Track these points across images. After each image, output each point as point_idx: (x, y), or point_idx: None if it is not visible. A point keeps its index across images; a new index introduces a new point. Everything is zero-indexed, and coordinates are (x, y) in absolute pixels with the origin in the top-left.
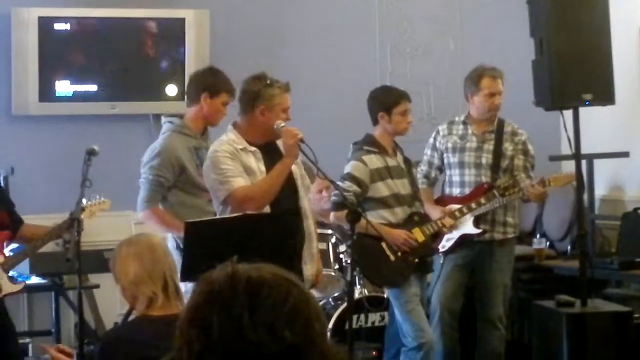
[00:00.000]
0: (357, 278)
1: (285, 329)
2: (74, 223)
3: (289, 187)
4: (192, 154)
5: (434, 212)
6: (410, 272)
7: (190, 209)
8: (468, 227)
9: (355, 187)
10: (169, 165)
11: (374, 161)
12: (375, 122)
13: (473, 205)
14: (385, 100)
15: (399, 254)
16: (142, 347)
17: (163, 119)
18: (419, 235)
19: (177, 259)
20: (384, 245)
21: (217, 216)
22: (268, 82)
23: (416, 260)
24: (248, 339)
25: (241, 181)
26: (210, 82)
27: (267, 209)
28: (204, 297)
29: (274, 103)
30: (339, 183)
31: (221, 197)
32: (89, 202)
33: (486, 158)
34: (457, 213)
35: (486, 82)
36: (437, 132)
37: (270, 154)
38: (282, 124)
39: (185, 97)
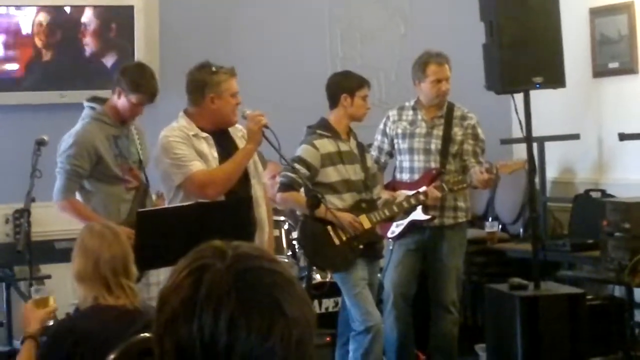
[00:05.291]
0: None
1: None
2: (24, 214)
3: (242, 175)
4: (110, 142)
5: (383, 197)
6: (356, 257)
7: (109, 197)
8: (417, 213)
9: (303, 171)
10: (86, 155)
11: (326, 145)
12: (334, 105)
13: (395, 209)
14: (349, 83)
15: (344, 238)
16: (91, 337)
17: (85, 103)
18: (365, 222)
19: None
20: (329, 229)
21: (168, 202)
22: (213, 69)
23: (361, 246)
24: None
25: (199, 165)
26: (127, 79)
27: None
28: (181, 307)
29: (222, 89)
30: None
31: (177, 181)
32: None
33: (435, 144)
34: (373, 218)
35: (432, 68)
36: (387, 118)
37: (222, 140)
38: (247, 111)
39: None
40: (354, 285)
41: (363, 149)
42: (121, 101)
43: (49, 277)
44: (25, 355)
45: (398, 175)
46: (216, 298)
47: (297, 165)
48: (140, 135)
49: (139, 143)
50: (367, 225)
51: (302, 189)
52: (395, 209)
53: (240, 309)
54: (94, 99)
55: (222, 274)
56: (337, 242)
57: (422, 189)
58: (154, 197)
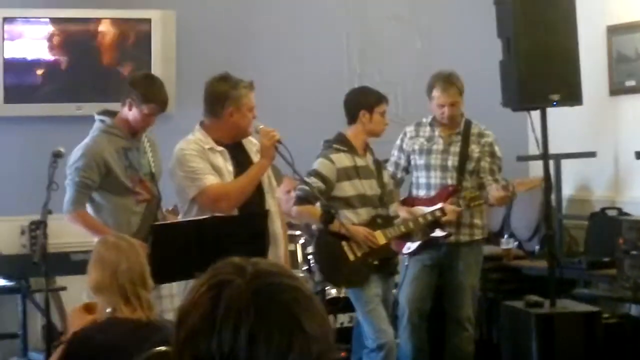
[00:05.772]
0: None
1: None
2: (40, 225)
3: (256, 189)
4: (120, 154)
5: (400, 213)
6: (370, 273)
7: (118, 208)
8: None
9: (319, 184)
10: (95, 167)
11: (343, 160)
12: (352, 121)
13: (411, 225)
14: (368, 99)
15: (359, 254)
16: (107, 350)
17: (96, 116)
18: (380, 238)
19: None
20: (344, 244)
21: (183, 215)
22: (233, 82)
23: (375, 262)
24: None
25: (213, 179)
26: (138, 90)
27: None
28: (200, 321)
29: (242, 103)
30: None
31: (191, 194)
32: None
33: (452, 160)
34: (388, 234)
35: (436, 92)
36: (404, 134)
37: (237, 154)
38: (261, 125)
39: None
40: (367, 302)
41: (380, 165)
42: (132, 112)
43: (64, 288)
44: None
45: (414, 192)
46: (235, 314)
47: (313, 179)
48: (154, 147)
49: (152, 155)
50: (382, 240)
51: (318, 203)
52: (411, 225)
53: (259, 325)
54: (104, 112)
55: (242, 289)
56: (351, 257)
57: (439, 205)
58: (164, 210)
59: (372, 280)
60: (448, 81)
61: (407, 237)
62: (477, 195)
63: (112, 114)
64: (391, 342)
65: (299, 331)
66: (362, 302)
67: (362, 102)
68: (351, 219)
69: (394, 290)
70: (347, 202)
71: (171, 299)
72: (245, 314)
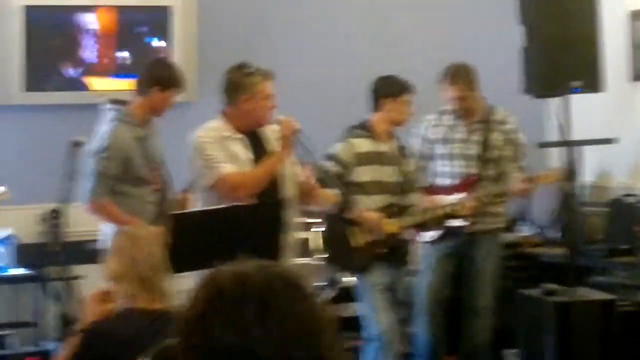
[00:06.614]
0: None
1: (297, 346)
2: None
3: (275, 177)
4: (138, 144)
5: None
6: (374, 261)
7: (132, 199)
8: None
9: (336, 168)
10: (118, 158)
11: (363, 144)
12: (376, 108)
13: (426, 216)
14: (393, 88)
15: (366, 240)
16: (123, 341)
17: (108, 105)
18: (391, 226)
19: None
20: (353, 229)
21: (200, 203)
22: (249, 70)
23: (384, 250)
24: (256, 354)
25: (229, 167)
26: (163, 76)
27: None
28: (208, 303)
29: (256, 91)
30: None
31: (207, 182)
32: None
33: (474, 149)
34: (401, 223)
35: (445, 86)
36: (428, 122)
37: (257, 141)
38: (280, 116)
39: (136, 86)
40: (367, 291)
41: (405, 152)
42: (158, 98)
43: (82, 277)
44: (67, 352)
45: (436, 180)
46: (239, 301)
47: (330, 162)
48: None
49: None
50: (392, 229)
51: (334, 187)
52: (426, 216)
53: (264, 312)
54: (115, 101)
55: (250, 278)
56: (357, 243)
57: (460, 195)
58: (179, 195)
59: (377, 268)
60: (455, 76)
61: (423, 226)
62: (502, 193)
63: (122, 102)
64: (387, 333)
65: (306, 319)
66: (363, 290)
67: (387, 90)
68: (366, 205)
69: (412, 278)
70: (363, 188)
71: None
72: (250, 302)
